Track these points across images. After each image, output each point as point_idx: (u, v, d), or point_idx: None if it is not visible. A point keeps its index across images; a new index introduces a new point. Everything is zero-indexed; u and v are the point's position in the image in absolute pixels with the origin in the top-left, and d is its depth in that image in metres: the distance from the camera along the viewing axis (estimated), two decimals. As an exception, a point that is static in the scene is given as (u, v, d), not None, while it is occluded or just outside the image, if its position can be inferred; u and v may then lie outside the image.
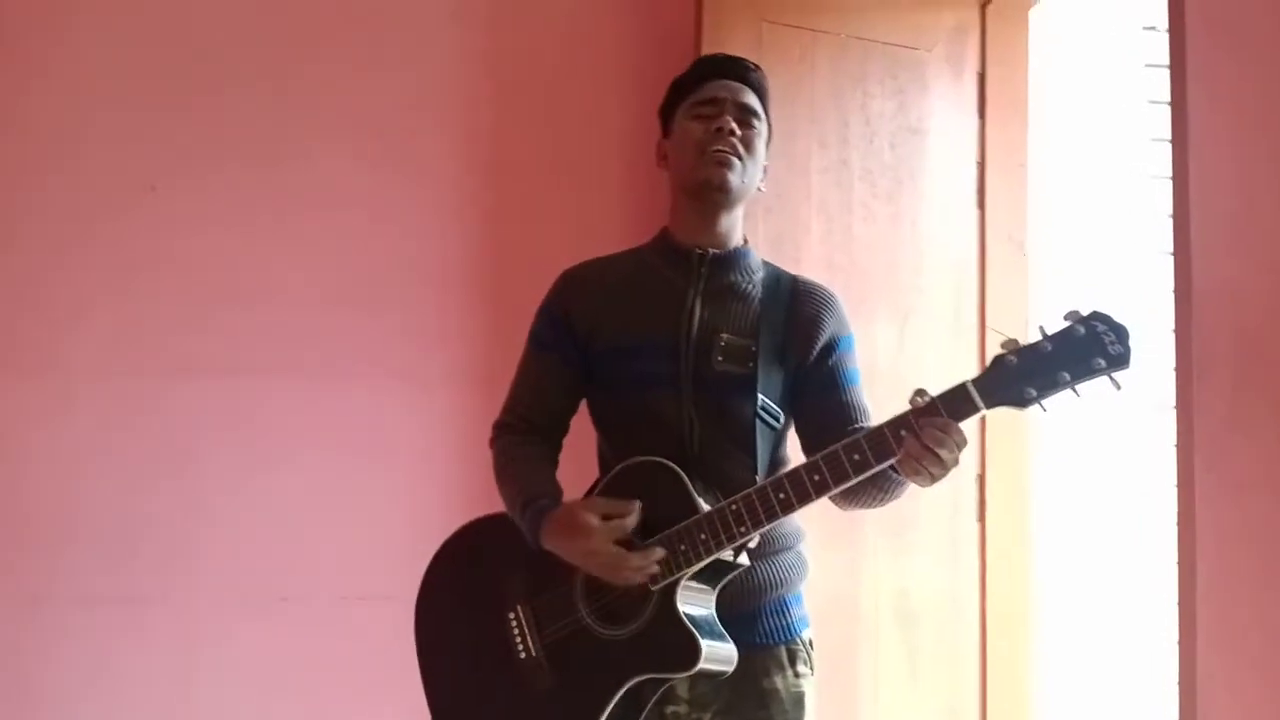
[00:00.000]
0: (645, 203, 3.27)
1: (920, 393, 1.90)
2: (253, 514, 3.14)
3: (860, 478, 1.93)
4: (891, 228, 3.24)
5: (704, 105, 2.17)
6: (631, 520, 2.00)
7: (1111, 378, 1.82)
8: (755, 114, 2.18)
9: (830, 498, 2.06)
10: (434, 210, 3.29)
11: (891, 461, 1.92)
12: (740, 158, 2.14)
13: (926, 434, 1.87)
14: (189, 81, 3.18)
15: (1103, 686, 3.65)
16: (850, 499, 2.08)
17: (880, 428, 1.92)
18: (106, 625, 3.05)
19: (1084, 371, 1.82)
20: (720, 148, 2.13)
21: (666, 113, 2.26)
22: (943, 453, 1.87)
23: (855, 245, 3.19)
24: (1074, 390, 1.84)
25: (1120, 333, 1.81)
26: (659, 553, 1.98)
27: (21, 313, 3.07)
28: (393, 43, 3.30)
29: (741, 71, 2.21)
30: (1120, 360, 1.81)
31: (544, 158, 3.34)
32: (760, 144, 2.19)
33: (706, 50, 3.06)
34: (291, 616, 3.14)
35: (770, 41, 3.10)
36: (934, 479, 1.93)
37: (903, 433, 1.89)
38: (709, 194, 2.15)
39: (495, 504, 2.24)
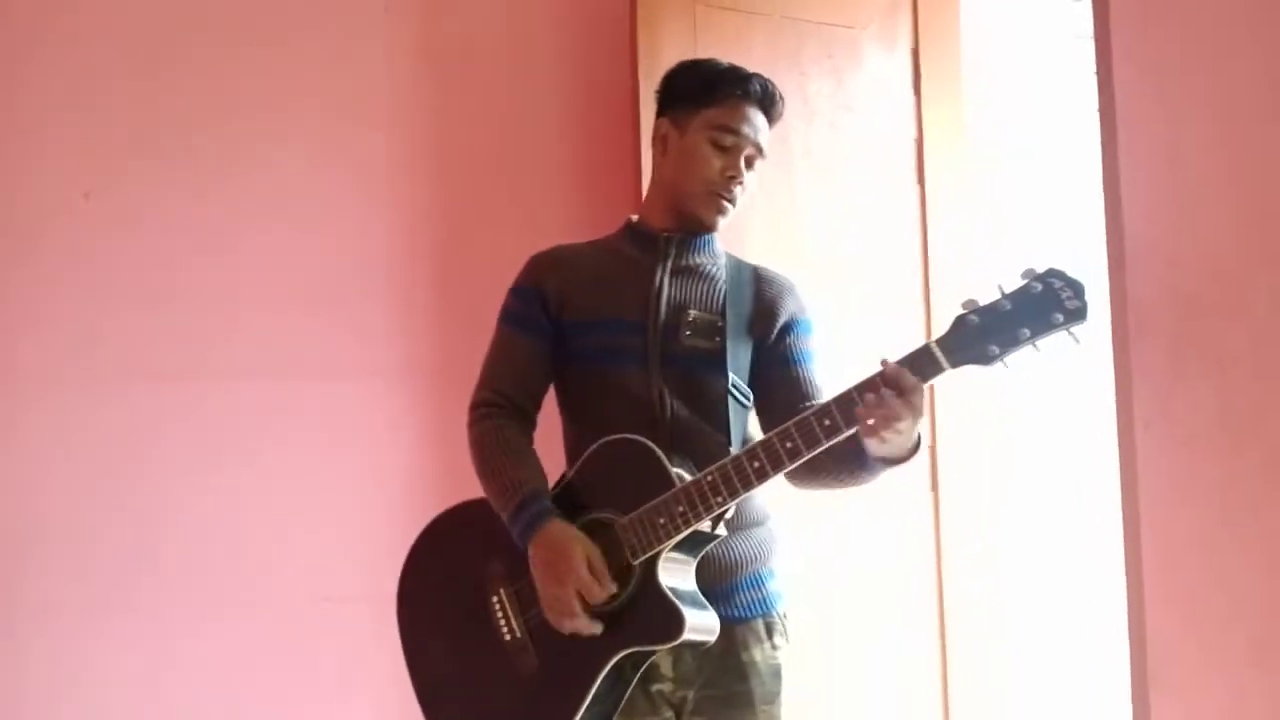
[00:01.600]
0: (586, 190, 3.29)
1: (885, 361, 1.94)
2: (214, 517, 3.14)
3: (831, 442, 1.97)
4: (832, 205, 3.26)
5: (726, 133, 2.20)
6: (601, 597, 2.03)
7: (1070, 332, 1.87)
8: (763, 154, 2.24)
9: (793, 480, 2.13)
10: (378, 206, 3.29)
11: (857, 428, 1.96)
12: (736, 203, 2.23)
13: (886, 393, 1.92)
14: (126, 84, 3.16)
15: (1059, 648, 3.71)
16: (815, 475, 2.12)
17: (849, 390, 1.96)
18: (72, 632, 3.04)
19: (1044, 327, 1.87)
20: (726, 197, 2.20)
21: (687, 100, 2.25)
22: (901, 411, 1.90)
23: (797, 224, 3.21)
24: (1034, 346, 1.89)
25: (1076, 288, 1.87)
26: (598, 629, 2.03)
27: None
28: (328, 39, 3.30)
29: (771, 106, 2.25)
30: (1078, 314, 1.86)
31: (484, 148, 3.35)
32: (755, 179, 2.26)
33: (643, 36, 3.08)
34: (256, 619, 3.14)
35: (705, 25, 3.11)
36: (895, 448, 1.98)
37: (869, 395, 1.93)
38: (697, 226, 2.24)
39: (462, 495, 2.27)
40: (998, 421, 3.49)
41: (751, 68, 2.29)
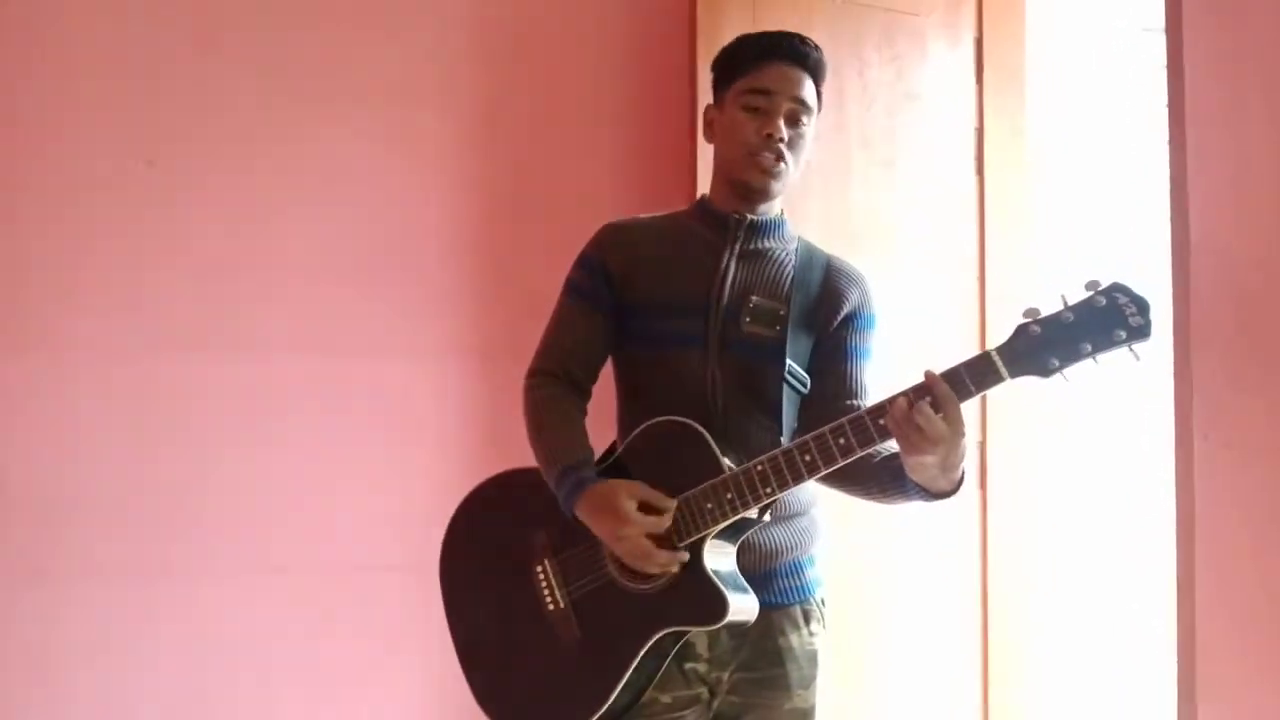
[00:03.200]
0: (640, 172, 3.27)
1: (929, 373, 1.91)
2: (256, 486, 3.15)
3: (884, 443, 1.96)
4: (890, 194, 3.23)
5: (758, 95, 2.16)
6: (666, 520, 2.04)
7: (1131, 349, 1.84)
8: (807, 107, 2.18)
9: (832, 482, 2.12)
10: (431, 183, 3.29)
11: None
12: (785, 160, 2.17)
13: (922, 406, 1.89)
14: (183, 56, 3.17)
15: (1105, 653, 3.67)
16: (854, 482, 2.12)
17: (904, 392, 1.94)
18: (109, 598, 3.07)
19: (1106, 343, 1.84)
20: (768, 159, 2.15)
21: (720, 79, 2.24)
22: (936, 427, 1.88)
23: (853, 212, 3.18)
24: (1094, 360, 1.86)
25: (1141, 304, 1.83)
26: (684, 555, 2.04)
27: (19, 289, 3.06)
28: (384, 14, 3.29)
29: (800, 56, 2.18)
30: (1141, 332, 1.83)
31: (537, 127, 3.34)
32: (808, 137, 2.20)
33: (703, 17, 3.06)
34: (296, 587, 3.16)
35: (765, 8, 3.08)
36: (929, 478, 1.96)
37: (900, 400, 1.91)
38: (748, 193, 2.20)
39: (499, 470, 2.27)
40: (1049, 421, 3.45)
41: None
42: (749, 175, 2.17)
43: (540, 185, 3.32)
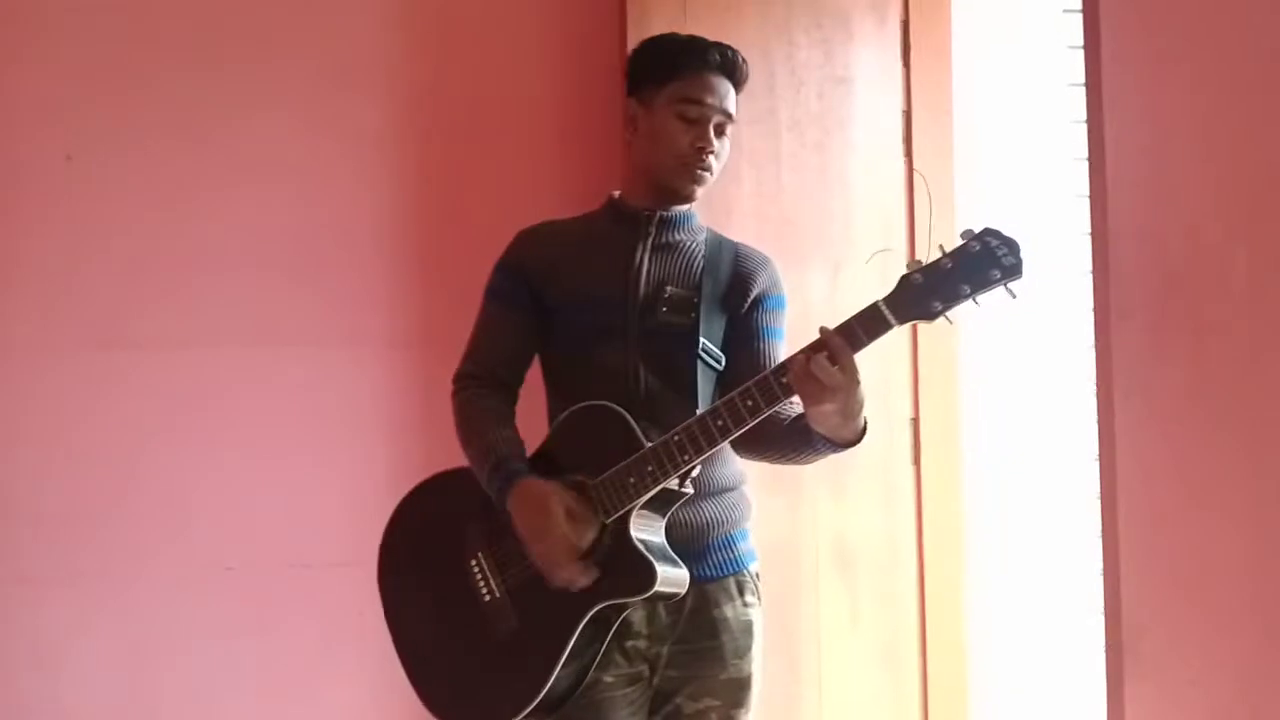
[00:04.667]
0: (575, 162, 3.28)
1: (823, 329, 2.04)
2: (194, 485, 3.14)
3: (787, 400, 2.06)
4: (820, 177, 3.26)
5: (690, 104, 2.25)
6: (589, 536, 2.11)
7: (1007, 287, 1.98)
8: (732, 119, 2.29)
9: (745, 450, 2.26)
10: (365, 174, 3.28)
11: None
12: (712, 171, 2.28)
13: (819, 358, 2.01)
14: (106, 44, 3.13)
15: (1036, 624, 3.73)
16: (766, 445, 2.23)
17: (802, 349, 2.04)
18: (50, 603, 3.04)
19: (982, 283, 1.97)
20: (700, 167, 2.25)
21: (649, 78, 2.29)
22: (833, 376, 1.98)
23: (785, 196, 3.21)
24: (974, 300, 1.99)
25: (1012, 245, 1.96)
26: (594, 573, 2.11)
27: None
28: (319, 4, 3.27)
29: (733, 71, 2.29)
30: (1013, 270, 1.96)
31: (473, 119, 3.34)
32: (729, 143, 2.31)
33: (633, 6, 3.06)
34: (237, 585, 3.15)
35: (696, -8, 3.10)
36: (833, 428, 2.07)
37: (799, 356, 2.02)
38: (674, 198, 2.30)
39: (442, 464, 2.32)
40: (981, 396, 3.50)
41: (742, 37, 2.33)
42: (679, 183, 2.27)
43: (475, 175, 3.31)
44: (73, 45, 3.11)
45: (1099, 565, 2.02)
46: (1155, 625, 1.96)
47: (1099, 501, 1.99)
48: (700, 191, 2.30)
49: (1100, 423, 1.97)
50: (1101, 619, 2.04)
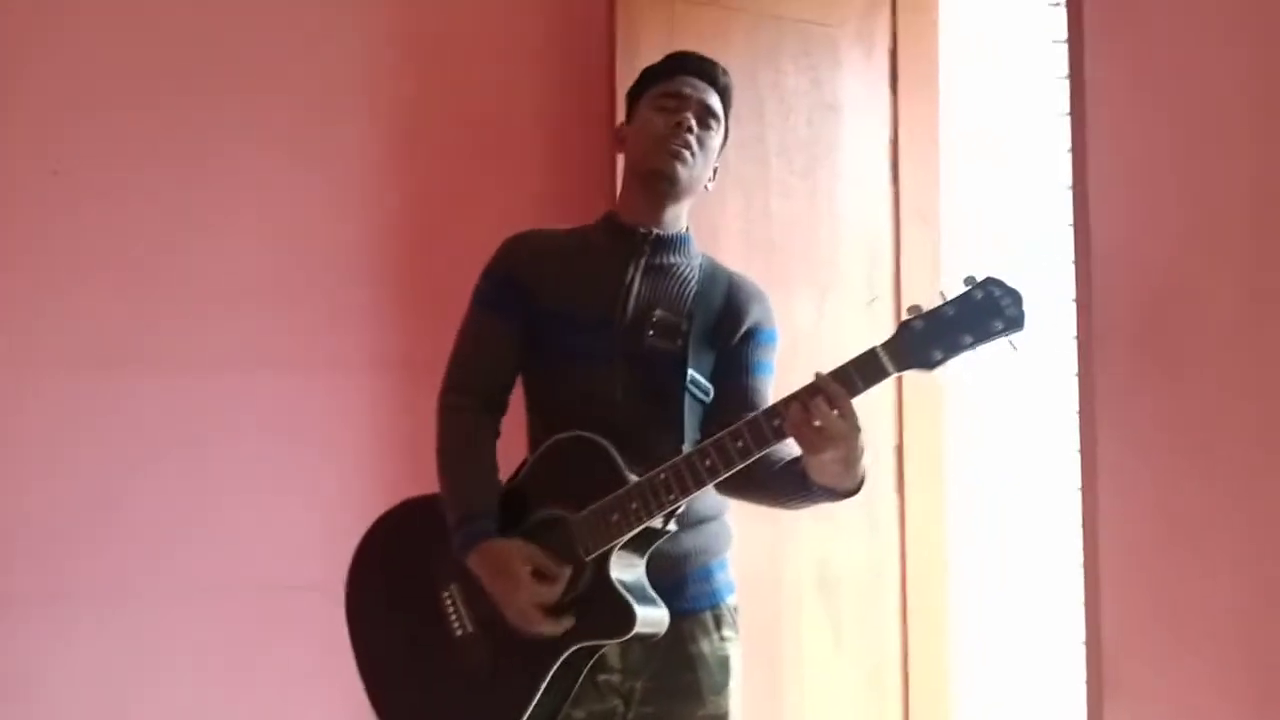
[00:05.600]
0: (563, 181, 3.28)
1: (818, 374, 1.94)
2: (173, 505, 3.11)
3: (779, 443, 1.98)
4: (808, 203, 3.26)
5: (669, 98, 2.23)
6: (557, 590, 2.05)
7: (1009, 340, 1.90)
8: (715, 116, 2.25)
9: (734, 491, 2.16)
10: (350, 196, 3.26)
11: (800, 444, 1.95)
12: (693, 153, 2.21)
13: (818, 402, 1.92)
14: (99, 65, 3.13)
15: (1018, 653, 3.73)
16: (757, 488, 2.13)
17: (795, 394, 1.96)
18: (27, 623, 3.01)
19: (984, 334, 1.90)
20: (677, 144, 2.19)
21: (632, 98, 2.31)
22: (835, 423, 1.90)
23: (773, 222, 3.21)
24: (975, 351, 1.92)
25: (1015, 296, 1.89)
26: (568, 623, 2.04)
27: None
28: (302, 27, 3.27)
29: (710, 73, 2.27)
30: (1016, 322, 1.89)
31: (459, 142, 3.32)
32: (714, 144, 2.26)
33: (621, 30, 3.07)
34: (219, 606, 3.12)
35: (683, 19, 3.11)
36: (833, 477, 1.98)
37: (795, 404, 1.93)
38: (658, 183, 2.21)
39: (421, 489, 2.25)
40: (965, 425, 3.51)
41: (730, 64, 2.31)
42: (659, 161, 2.19)
43: (460, 199, 3.30)
44: (55, 61, 3.10)
45: (1080, 593, 2.02)
46: (1135, 653, 1.96)
47: (1080, 530, 1.99)
48: (684, 174, 2.20)
49: (1083, 452, 1.97)
50: (1083, 646, 2.04)
